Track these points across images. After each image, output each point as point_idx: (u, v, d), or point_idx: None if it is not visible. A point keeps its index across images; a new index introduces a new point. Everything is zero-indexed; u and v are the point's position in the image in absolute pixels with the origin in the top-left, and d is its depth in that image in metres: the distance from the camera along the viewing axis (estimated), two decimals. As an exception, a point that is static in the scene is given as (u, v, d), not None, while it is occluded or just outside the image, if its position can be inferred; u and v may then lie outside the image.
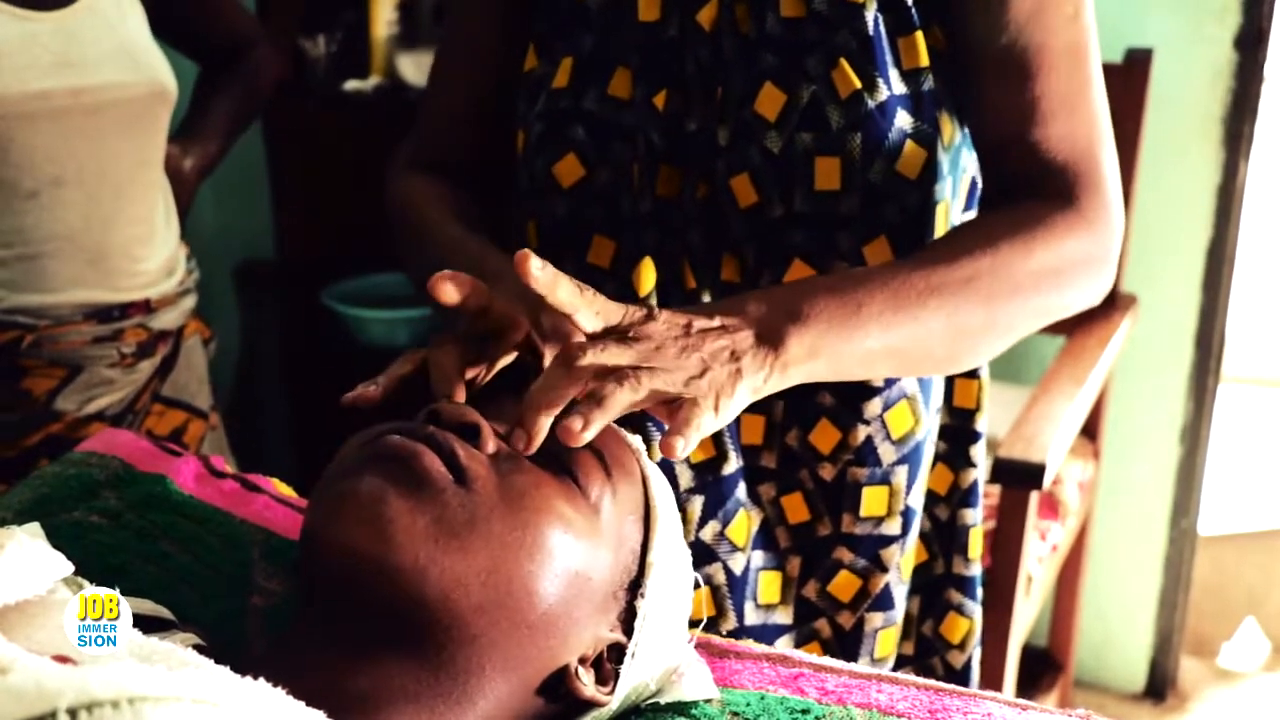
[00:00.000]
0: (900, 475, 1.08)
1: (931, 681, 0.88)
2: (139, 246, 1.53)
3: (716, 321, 0.82)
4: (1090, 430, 2.22)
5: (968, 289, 0.91)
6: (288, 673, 0.64)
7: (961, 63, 0.99)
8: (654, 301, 1.04)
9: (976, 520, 1.15)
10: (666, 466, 1.05)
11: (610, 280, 1.05)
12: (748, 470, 1.08)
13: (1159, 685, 2.51)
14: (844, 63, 0.97)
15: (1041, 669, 2.37)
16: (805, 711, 0.83)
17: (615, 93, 1.03)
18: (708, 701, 0.84)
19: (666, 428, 0.77)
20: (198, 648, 0.73)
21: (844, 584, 1.10)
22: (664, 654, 0.82)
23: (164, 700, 0.50)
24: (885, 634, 1.12)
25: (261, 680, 0.59)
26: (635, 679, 0.79)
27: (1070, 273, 0.96)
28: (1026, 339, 1.01)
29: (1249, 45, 2.09)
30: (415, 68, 2.57)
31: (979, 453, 1.14)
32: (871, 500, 1.07)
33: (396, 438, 0.73)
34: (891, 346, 0.89)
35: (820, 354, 0.85)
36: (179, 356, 1.64)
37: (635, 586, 0.80)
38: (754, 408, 1.04)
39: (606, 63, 1.03)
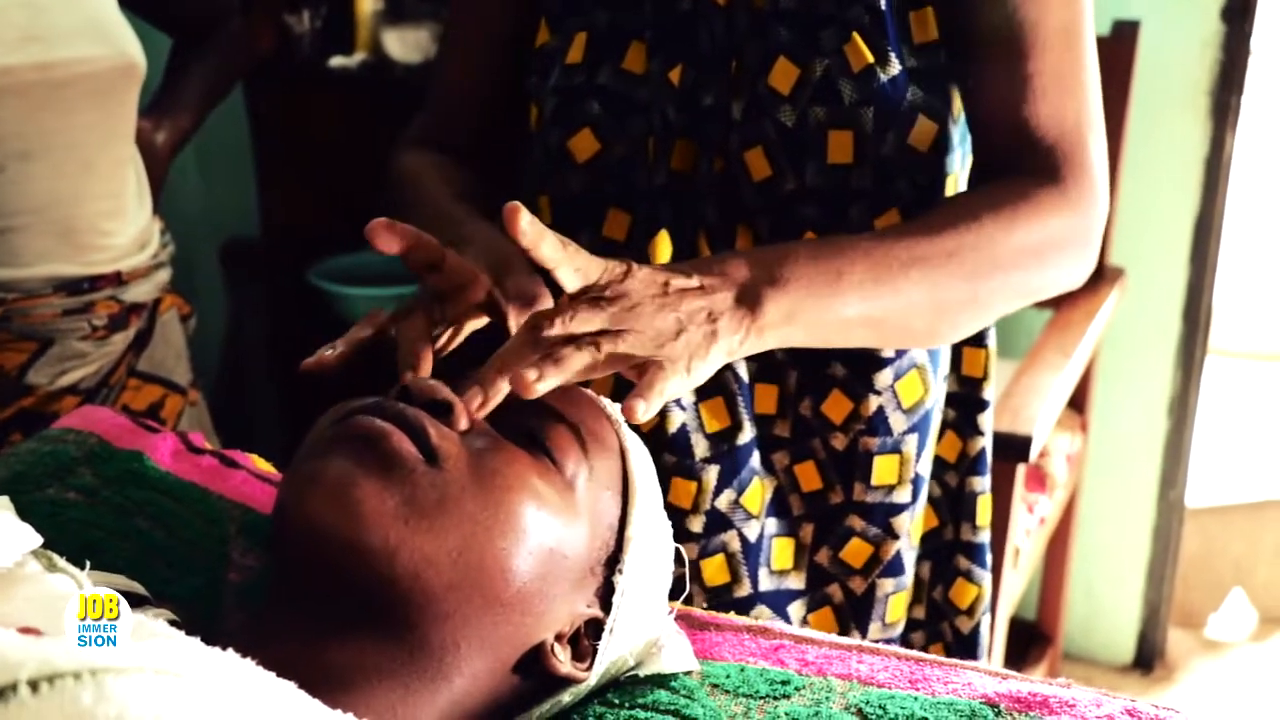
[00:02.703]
0: (911, 444, 1.09)
1: (912, 652, 0.88)
2: (109, 220, 1.52)
3: (695, 281, 0.82)
4: (1078, 403, 2.22)
5: (950, 263, 0.91)
6: (259, 646, 0.64)
7: (958, 36, 0.99)
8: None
9: (985, 488, 1.16)
10: (683, 436, 1.06)
11: (626, 252, 1.05)
12: (761, 439, 1.09)
13: (1147, 656, 2.52)
14: (857, 37, 0.97)
15: (1030, 641, 2.37)
16: (785, 683, 0.83)
17: (630, 67, 1.03)
18: (687, 674, 0.83)
19: None
20: (171, 623, 0.73)
21: (856, 551, 1.11)
22: (643, 628, 0.81)
23: (126, 671, 0.50)
24: (896, 599, 1.13)
25: (230, 651, 0.58)
26: (614, 654, 0.79)
27: (1051, 252, 0.96)
28: (1015, 312, 1.01)
29: (1235, 17, 2.09)
30: (400, 44, 2.55)
31: (986, 421, 1.15)
32: (883, 469, 1.09)
33: (366, 417, 0.72)
34: (870, 316, 0.89)
35: (797, 319, 0.85)
36: (155, 331, 1.63)
37: (613, 562, 0.79)
38: (767, 378, 1.06)
39: (620, 38, 1.04)
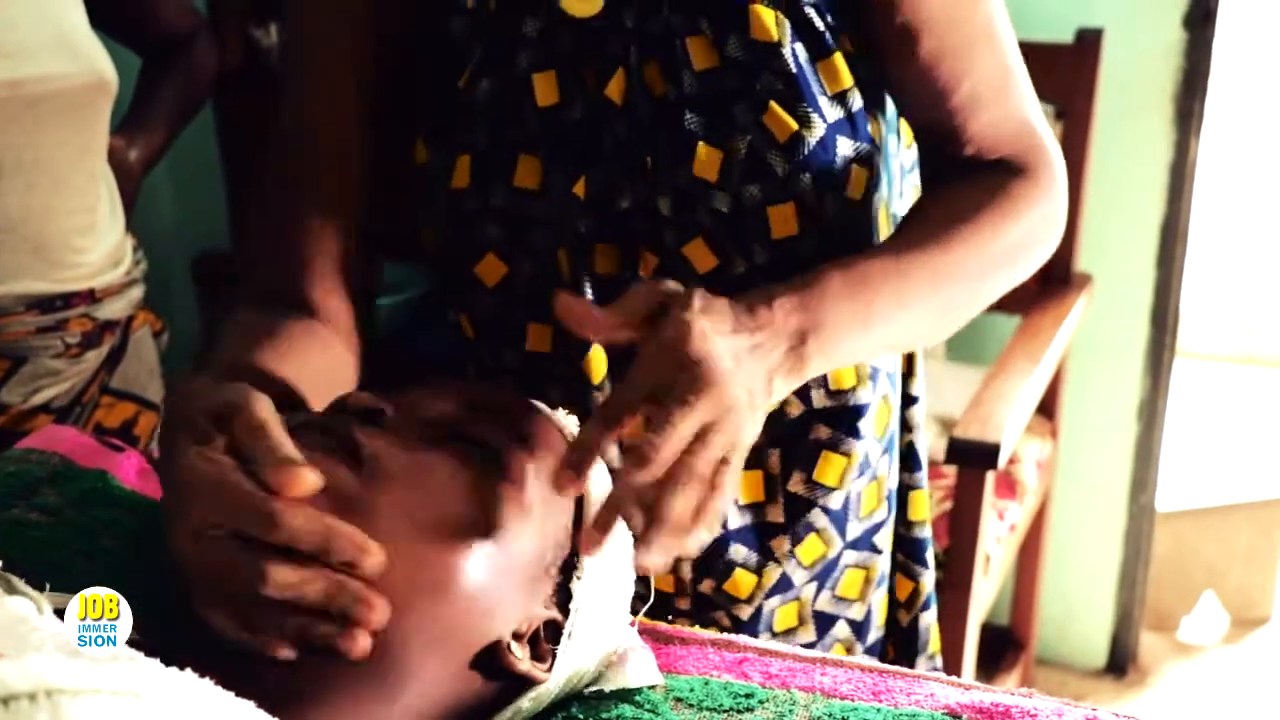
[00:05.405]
0: (884, 465, 1.09)
1: (876, 663, 0.89)
2: (82, 237, 1.52)
3: (758, 338, 0.81)
4: (1047, 409, 2.23)
5: (958, 272, 0.92)
6: (218, 663, 0.64)
7: (882, 63, 0.97)
8: (606, 387, 1.01)
9: (920, 484, 1.15)
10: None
11: (559, 364, 1.02)
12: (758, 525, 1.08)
13: (1120, 661, 2.53)
14: (774, 105, 0.93)
15: (1003, 648, 2.38)
16: (749, 695, 0.83)
17: (522, 184, 0.97)
18: (651, 688, 0.84)
19: None
20: (134, 642, 0.73)
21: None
22: (603, 637, 0.82)
23: (82, 693, 0.50)
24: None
25: (188, 670, 0.59)
26: (574, 660, 0.79)
27: (1035, 240, 0.99)
28: (981, 318, 1.03)
29: (1198, 23, 2.11)
30: (369, 56, 2.55)
31: (917, 415, 1.14)
32: (869, 499, 1.09)
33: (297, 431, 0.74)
34: (891, 340, 0.92)
35: (833, 359, 0.87)
36: (128, 348, 1.62)
37: (570, 566, 0.80)
38: (747, 465, 1.03)
39: (507, 155, 0.97)
